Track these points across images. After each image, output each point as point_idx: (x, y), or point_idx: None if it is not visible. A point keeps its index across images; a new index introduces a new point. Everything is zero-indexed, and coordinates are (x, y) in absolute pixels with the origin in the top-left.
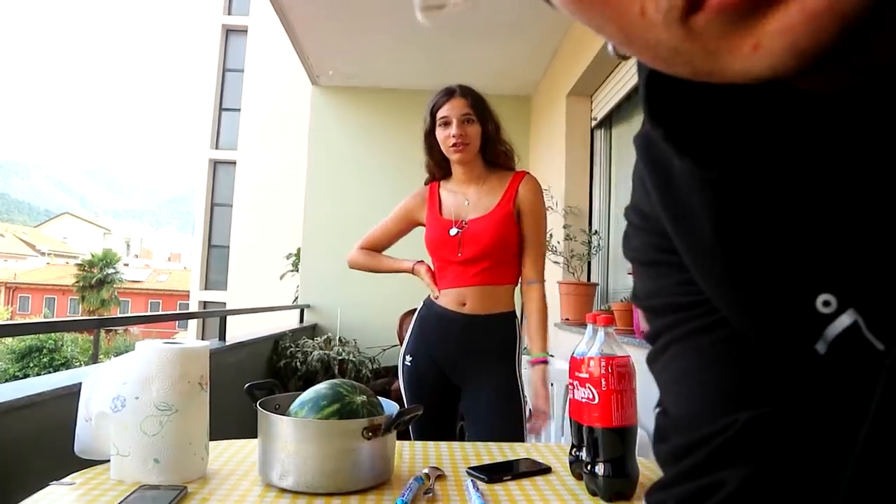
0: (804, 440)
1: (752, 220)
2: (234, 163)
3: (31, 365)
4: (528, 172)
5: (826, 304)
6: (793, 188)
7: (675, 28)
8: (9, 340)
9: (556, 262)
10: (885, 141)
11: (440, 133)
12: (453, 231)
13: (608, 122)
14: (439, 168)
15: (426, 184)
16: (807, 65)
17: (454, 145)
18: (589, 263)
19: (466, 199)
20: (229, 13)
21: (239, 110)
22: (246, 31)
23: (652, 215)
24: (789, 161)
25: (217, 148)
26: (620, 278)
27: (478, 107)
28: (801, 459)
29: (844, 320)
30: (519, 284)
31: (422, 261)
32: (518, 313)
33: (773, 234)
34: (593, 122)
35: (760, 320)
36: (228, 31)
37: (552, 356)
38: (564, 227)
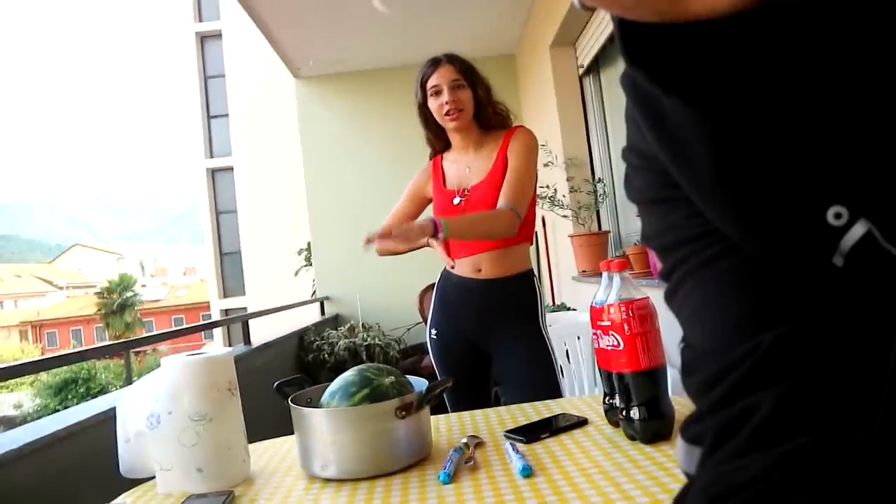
0: (834, 353)
1: (750, 145)
2: (231, 168)
3: (69, 397)
4: (521, 126)
5: (837, 216)
6: (788, 106)
7: None
8: (44, 377)
9: (564, 216)
10: (880, 47)
11: (433, 103)
12: (456, 200)
13: (595, 67)
14: (438, 139)
15: (431, 158)
16: None
17: (448, 113)
18: (597, 212)
19: (467, 167)
20: (200, 20)
21: (227, 115)
22: (220, 35)
23: (650, 154)
24: (781, 79)
25: (212, 157)
26: (631, 222)
27: (466, 72)
28: (833, 372)
29: (858, 230)
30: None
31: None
32: (535, 271)
33: (773, 155)
34: (580, 70)
35: (773, 242)
36: (203, 38)
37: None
38: (568, 179)
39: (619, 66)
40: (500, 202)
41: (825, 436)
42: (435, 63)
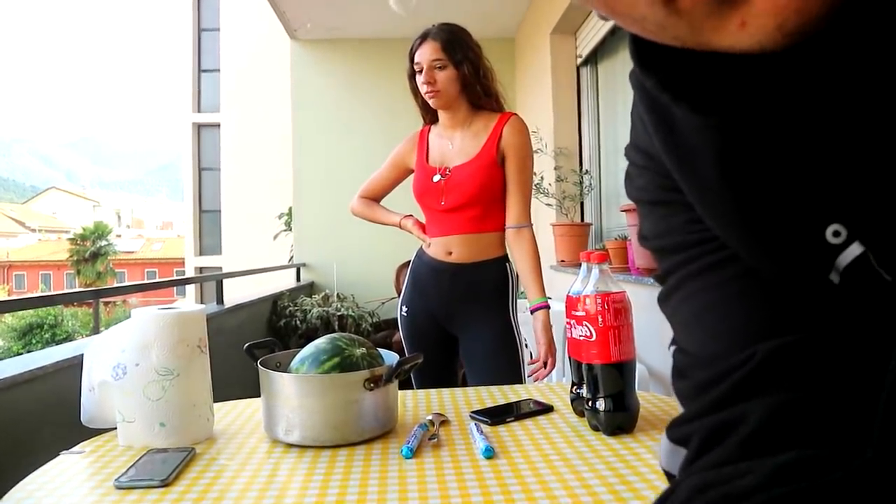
0: (828, 370)
1: (756, 158)
2: (217, 125)
3: (34, 341)
4: (514, 114)
5: (836, 234)
6: (799, 125)
7: (658, 6)
8: (9, 319)
9: (548, 205)
10: (888, 70)
11: (418, 79)
12: (436, 178)
13: (594, 58)
14: (426, 111)
15: (423, 126)
16: (795, 41)
17: (426, 93)
18: (581, 204)
19: (451, 144)
20: None
21: (218, 71)
22: None
23: (655, 155)
24: (790, 96)
25: (199, 111)
26: (613, 216)
27: (451, 49)
28: (826, 388)
29: (854, 250)
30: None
31: (410, 215)
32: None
33: (779, 170)
34: (579, 60)
35: (772, 255)
36: None
37: (550, 298)
38: (555, 168)
39: (616, 60)
40: (516, 219)
41: (821, 452)
42: (422, 37)
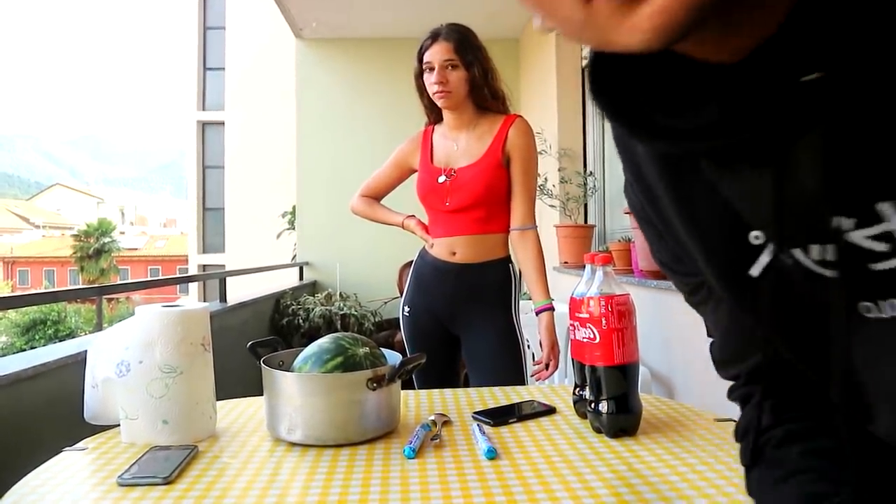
0: (783, 370)
1: (695, 181)
2: (222, 123)
3: (37, 337)
4: (519, 116)
5: (756, 237)
6: (723, 149)
7: (577, 6)
8: (12, 314)
9: (552, 206)
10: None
11: (426, 78)
12: (441, 179)
13: None
14: (432, 111)
15: (426, 126)
16: (670, 42)
17: (436, 93)
18: (585, 205)
19: (456, 145)
20: None
21: (223, 69)
22: None
23: (630, 180)
24: (716, 123)
25: (204, 109)
26: (617, 218)
27: (463, 50)
28: (784, 379)
29: (770, 249)
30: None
31: (412, 215)
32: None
33: (713, 191)
34: (584, 62)
35: (713, 257)
36: None
37: (553, 300)
38: (559, 169)
39: None
40: (521, 221)
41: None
42: (434, 37)
